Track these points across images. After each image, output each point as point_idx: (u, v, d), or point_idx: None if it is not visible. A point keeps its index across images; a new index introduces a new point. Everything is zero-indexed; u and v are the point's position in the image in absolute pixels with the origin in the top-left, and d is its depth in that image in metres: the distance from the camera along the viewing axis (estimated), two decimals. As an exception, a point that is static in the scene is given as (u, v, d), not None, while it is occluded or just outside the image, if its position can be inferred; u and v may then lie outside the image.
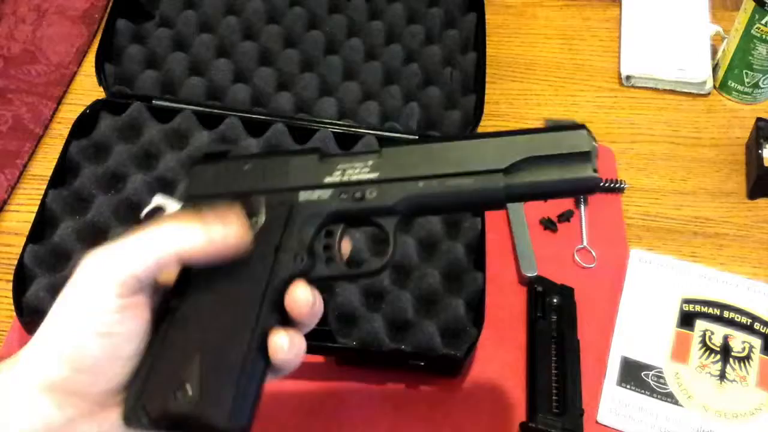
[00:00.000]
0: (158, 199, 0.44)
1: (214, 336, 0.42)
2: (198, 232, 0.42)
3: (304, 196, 0.44)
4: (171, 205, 0.43)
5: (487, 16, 0.92)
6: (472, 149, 0.44)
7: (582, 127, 0.44)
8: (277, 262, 0.43)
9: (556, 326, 0.74)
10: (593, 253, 0.81)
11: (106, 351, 0.40)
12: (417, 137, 0.45)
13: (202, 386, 0.40)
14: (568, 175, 0.43)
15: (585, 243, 0.82)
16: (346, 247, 0.47)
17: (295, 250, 0.44)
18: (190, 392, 0.40)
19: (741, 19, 0.90)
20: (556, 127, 0.44)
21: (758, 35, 0.89)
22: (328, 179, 0.44)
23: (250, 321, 0.42)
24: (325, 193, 0.44)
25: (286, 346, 0.42)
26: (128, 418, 0.41)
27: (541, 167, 0.43)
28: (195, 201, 0.45)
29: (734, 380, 0.73)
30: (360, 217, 0.45)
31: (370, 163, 0.44)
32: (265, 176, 0.45)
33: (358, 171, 0.44)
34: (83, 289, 0.40)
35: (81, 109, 0.82)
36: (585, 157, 0.43)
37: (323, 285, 0.45)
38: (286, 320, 0.43)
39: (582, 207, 0.84)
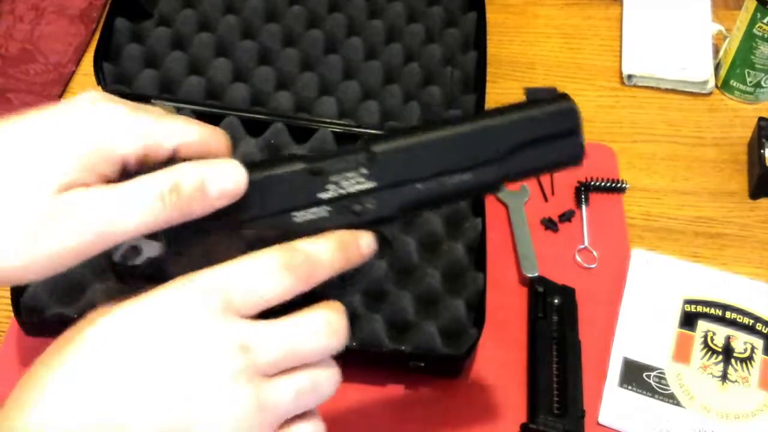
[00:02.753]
0: (133, 240, 0.39)
1: None
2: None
3: (299, 217, 0.41)
4: (149, 245, 0.38)
5: (487, 15, 0.92)
6: (467, 141, 0.43)
7: (566, 98, 0.44)
8: None
9: (557, 327, 0.74)
10: (594, 254, 0.81)
11: None
12: (406, 128, 0.42)
13: None
14: (560, 154, 0.44)
15: (586, 243, 0.81)
16: None
17: None
18: None
19: (743, 18, 0.90)
20: (541, 101, 0.44)
21: (760, 34, 0.89)
22: (322, 195, 0.41)
23: None
24: (321, 211, 0.41)
25: None
26: None
27: (533, 149, 0.43)
28: (180, 248, 0.39)
29: (736, 381, 0.73)
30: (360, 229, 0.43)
31: (364, 171, 0.41)
32: (256, 201, 0.40)
33: (353, 182, 0.41)
34: None
35: (79, 109, 0.82)
36: (574, 132, 0.44)
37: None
38: None
39: (583, 207, 0.84)
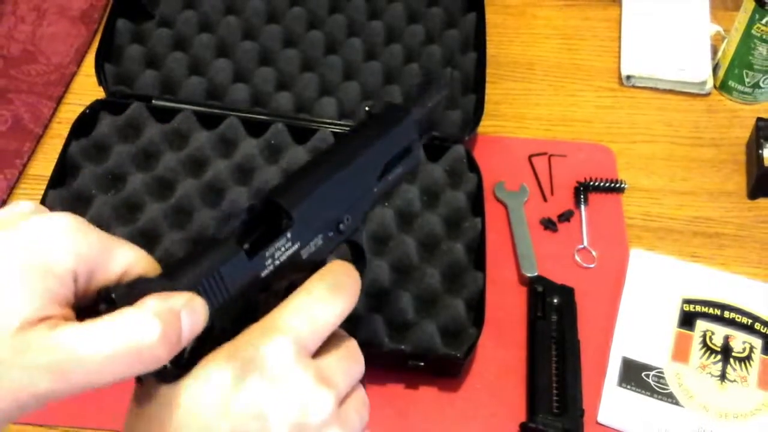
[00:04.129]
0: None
1: None
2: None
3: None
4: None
5: (487, 16, 0.92)
6: (353, 178, 0.47)
7: (402, 111, 0.51)
8: None
9: (556, 326, 0.74)
10: (593, 253, 0.81)
11: None
12: (294, 174, 0.46)
13: None
14: (413, 160, 0.52)
15: (585, 243, 0.82)
16: None
17: None
18: None
19: (741, 19, 0.90)
20: (384, 120, 0.50)
21: (758, 35, 0.89)
22: (264, 273, 0.41)
23: None
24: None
25: None
26: None
27: (393, 166, 0.50)
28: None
29: (735, 380, 0.73)
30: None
31: (290, 236, 0.42)
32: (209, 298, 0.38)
33: (284, 249, 0.42)
34: None
35: (81, 109, 0.82)
36: (416, 143, 0.51)
37: None
38: None
39: (582, 207, 0.84)
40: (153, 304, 0.34)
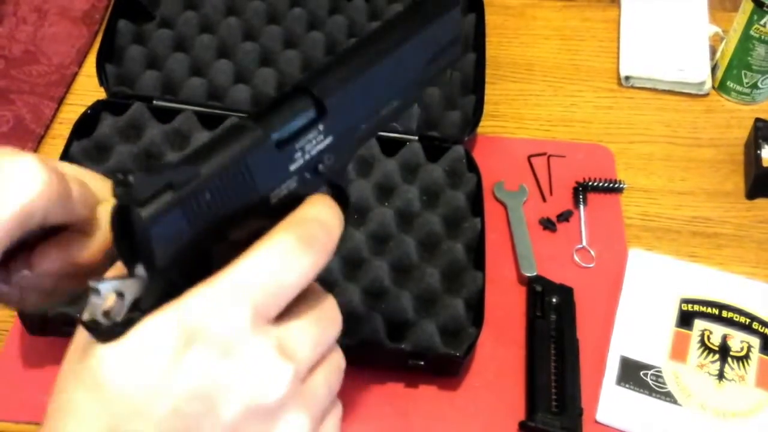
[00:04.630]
0: (107, 287, 0.32)
1: None
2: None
3: (275, 197, 0.37)
4: (129, 285, 0.32)
5: (486, 17, 0.92)
6: (391, 70, 0.43)
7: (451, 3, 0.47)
8: None
9: (555, 326, 0.74)
10: (592, 253, 0.81)
11: None
12: (333, 62, 0.41)
13: None
14: (453, 54, 0.48)
15: (584, 243, 0.82)
16: None
17: None
18: None
19: (740, 19, 0.91)
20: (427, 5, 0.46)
21: (757, 36, 0.89)
22: (292, 166, 0.37)
23: None
24: (291, 182, 0.37)
25: None
26: None
27: (436, 59, 0.46)
28: (167, 273, 0.33)
29: (733, 380, 0.73)
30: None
31: (322, 128, 0.38)
32: (232, 196, 0.35)
33: (315, 142, 0.38)
34: None
35: (82, 110, 0.83)
36: (458, 37, 0.48)
37: None
38: None
39: (581, 207, 0.84)
40: None
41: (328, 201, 0.37)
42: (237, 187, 0.34)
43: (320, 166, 0.38)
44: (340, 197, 0.40)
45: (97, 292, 0.32)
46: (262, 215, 0.36)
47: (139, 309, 0.32)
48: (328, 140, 0.38)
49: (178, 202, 0.33)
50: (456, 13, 0.47)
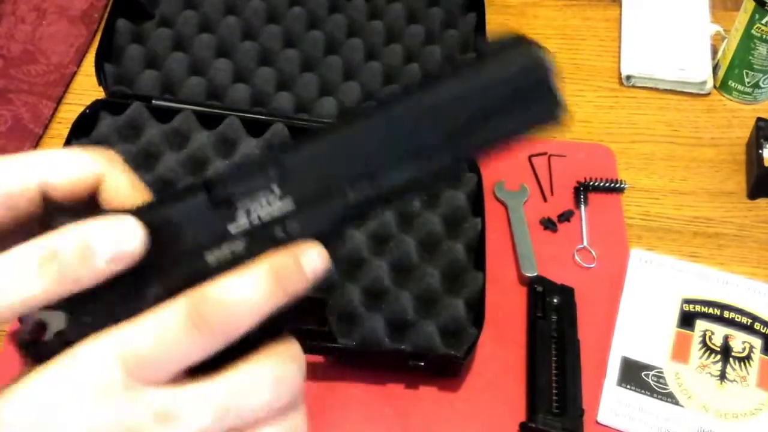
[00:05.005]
0: (37, 313, 0.31)
1: None
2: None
3: (212, 258, 0.33)
4: (54, 317, 0.32)
5: (487, 16, 0.92)
6: (399, 126, 0.33)
7: (526, 44, 0.35)
8: None
9: (556, 326, 0.74)
10: (593, 253, 0.81)
11: None
12: (320, 126, 0.33)
13: None
14: (528, 119, 0.35)
15: (585, 243, 0.82)
16: None
17: None
18: None
19: (741, 18, 0.90)
20: (493, 53, 0.34)
21: (758, 35, 0.89)
22: (232, 228, 0.33)
23: None
24: (236, 246, 0.33)
25: None
26: None
27: (490, 120, 0.34)
28: (84, 316, 0.32)
29: (734, 380, 0.73)
30: None
31: (276, 190, 0.33)
32: (159, 250, 0.32)
33: (266, 205, 0.33)
34: None
35: (81, 109, 0.82)
36: (544, 87, 0.35)
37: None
38: None
39: (582, 207, 0.84)
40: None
41: (265, 270, 0.32)
42: (165, 244, 0.32)
43: (277, 232, 0.33)
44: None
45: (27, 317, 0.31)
46: (197, 275, 0.32)
47: (65, 341, 0.31)
48: (287, 203, 0.33)
49: None
50: (528, 59, 0.35)
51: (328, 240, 0.33)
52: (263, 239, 0.33)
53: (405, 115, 0.33)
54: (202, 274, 0.32)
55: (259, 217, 0.33)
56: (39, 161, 0.33)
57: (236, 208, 0.32)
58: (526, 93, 0.34)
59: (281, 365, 0.32)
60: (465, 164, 0.36)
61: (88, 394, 0.29)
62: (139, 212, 0.32)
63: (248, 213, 0.33)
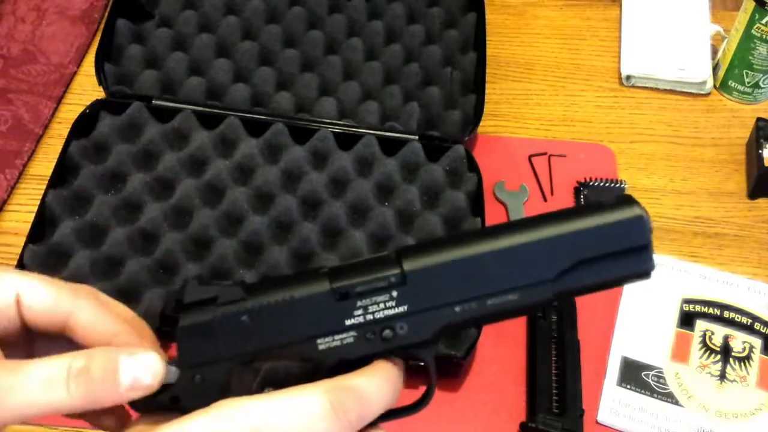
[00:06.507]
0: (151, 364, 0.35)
1: None
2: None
3: (323, 344, 0.36)
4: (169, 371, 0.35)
5: (487, 16, 0.92)
6: (513, 258, 0.37)
7: (631, 203, 0.40)
8: None
9: (556, 326, 0.74)
10: (593, 253, 0.81)
11: None
12: (441, 238, 0.39)
13: None
14: (623, 270, 0.38)
15: (585, 243, 0.81)
16: None
17: None
18: None
19: (741, 18, 0.90)
20: (601, 207, 0.39)
21: (758, 35, 0.89)
22: (349, 321, 0.37)
23: None
24: (347, 337, 0.37)
25: None
26: None
27: (593, 266, 0.38)
28: (193, 370, 0.36)
29: (734, 380, 0.73)
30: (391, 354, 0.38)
31: (395, 295, 0.37)
32: (273, 328, 0.36)
33: (383, 306, 0.37)
34: None
35: (81, 109, 0.82)
36: (642, 247, 0.38)
37: None
38: None
39: (582, 207, 0.84)
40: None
41: (387, 373, 0.36)
42: (279, 322, 0.36)
43: (387, 332, 0.37)
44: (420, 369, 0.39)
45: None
46: (306, 357, 0.36)
47: (176, 406, 0.35)
48: (401, 309, 0.37)
49: (215, 316, 0.36)
50: (632, 217, 0.39)
51: (425, 344, 0.37)
52: (373, 337, 0.37)
53: (526, 247, 0.37)
54: (311, 357, 0.36)
55: (374, 317, 0.37)
56: (14, 279, 0.36)
57: (355, 304, 0.36)
58: (630, 248, 0.38)
59: None
60: (557, 300, 0.40)
61: None
62: (261, 288, 0.36)
63: (365, 310, 0.37)
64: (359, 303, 0.37)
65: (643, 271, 0.38)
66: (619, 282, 0.39)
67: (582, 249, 0.37)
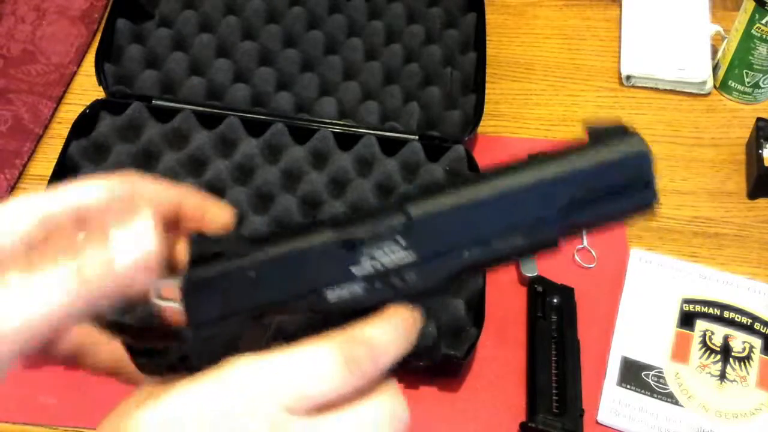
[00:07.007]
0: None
1: None
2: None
3: (332, 295, 0.36)
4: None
5: (487, 16, 0.92)
6: (517, 197, 0.37)
7: (633, 135, 0.38)
8: None
9: (556, 326, 0.74)
10: (593, 253, 0.81)
11: None
12: (447, 182, 0.38)
13: None
14: (627, 205, 0.38)
15: (585, 243, 0.82)
16: None
17: None
18: None
19: (741, 18, 0.90)
20: (602, 141, 0.37)
21: (758, 35, 0.89)
22: (356, 270, 0.36)
23: None
24: (356, 287, 0.36)
25: None
26: None
27: (595, 204, 0.37)
28: (203, 330, 0.35)
29: (734, 380, 0.73)
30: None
31: (402, 241, 0.36)
32: (280, 281, 0.36)
33: (390, 254, 0.36)
34: None
35: (81, 109, 0.82)
36: (646, 184, 0.37)
37: None
38: None
39: (582, 207, 0.84)
40: None
41: (399, 321, 0.36)
42: (286, 274, 0.35)
43: (395, 280, 0.36)
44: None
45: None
46: (316, 309, 0.36)
47: (184, 365, 0.34)
48: (410, 257, 0.36)
49: (221, 272, 0.35)
50: (636, 151, 0.37)
51: (436, 293, 0.37)
52: (382, 285, 0.36)
53: (528, 187, 0.37)
54: (321, 309, 0.35)
55: (382, 264, 0.35)
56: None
57: (362, 252, 0.35)
58: (632, 180, 0.37)
59: (397, 405, 0.35)
60: (565, 238, 0.39)
61: (242, 416, 0.31)
62: (266, 241, 0.35)
63: (372, 258, 0.35)
64: (366, 251, 0.36)
65: (646, 204, 0.38)
66: (622, 217, 0.38)
67: (584, 187, 0.37)
